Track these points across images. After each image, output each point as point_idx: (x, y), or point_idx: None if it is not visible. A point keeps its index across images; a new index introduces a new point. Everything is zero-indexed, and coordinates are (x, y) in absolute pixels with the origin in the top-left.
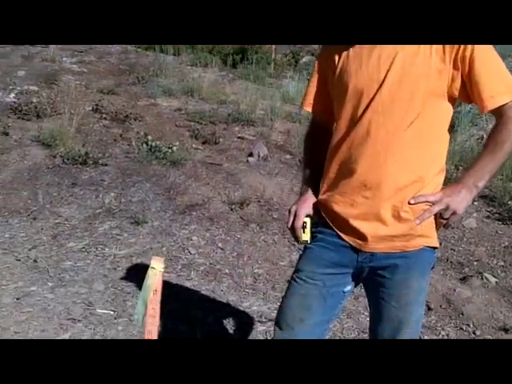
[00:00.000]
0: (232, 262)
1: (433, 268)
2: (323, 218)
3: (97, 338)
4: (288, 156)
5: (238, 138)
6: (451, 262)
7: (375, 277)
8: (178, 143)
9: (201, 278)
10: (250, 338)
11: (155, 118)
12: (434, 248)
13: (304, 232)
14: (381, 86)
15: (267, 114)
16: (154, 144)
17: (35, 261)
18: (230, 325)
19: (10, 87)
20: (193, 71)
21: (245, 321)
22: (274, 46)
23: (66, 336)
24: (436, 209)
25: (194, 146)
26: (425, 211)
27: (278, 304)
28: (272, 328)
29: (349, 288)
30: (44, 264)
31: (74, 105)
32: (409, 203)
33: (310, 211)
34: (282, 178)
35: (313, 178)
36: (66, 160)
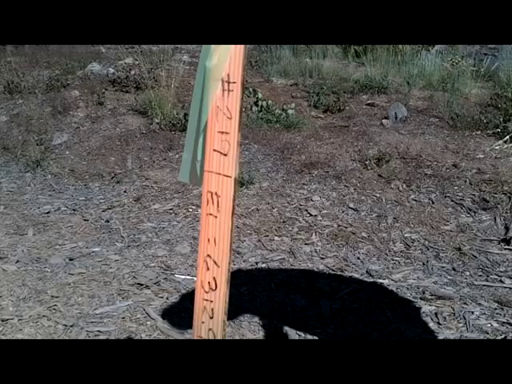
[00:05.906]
0: (371, 225)
1: None
2: None
3: (165, 307)
4: (434, 119)
5: (368, 105)
6: None
7: None
8: (294, 105)
9: (326, 242)
10: (415, 320)
11: (268, 91)
12: None
13: None
14: None
15: (403, 83)
16: (265, 104)
17: (107, 221)
18: (376, 301)
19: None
20: (310, 61)
21: (399, 297)
22: None
23: (123, 304)
24: None
25: (313, 114)
26: None
27: (450, 278)
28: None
29: None
30: (117, 225)
31: (177, 79)
32: None
33: None
34: (431, 137)
35: None
36: (162, 126)
